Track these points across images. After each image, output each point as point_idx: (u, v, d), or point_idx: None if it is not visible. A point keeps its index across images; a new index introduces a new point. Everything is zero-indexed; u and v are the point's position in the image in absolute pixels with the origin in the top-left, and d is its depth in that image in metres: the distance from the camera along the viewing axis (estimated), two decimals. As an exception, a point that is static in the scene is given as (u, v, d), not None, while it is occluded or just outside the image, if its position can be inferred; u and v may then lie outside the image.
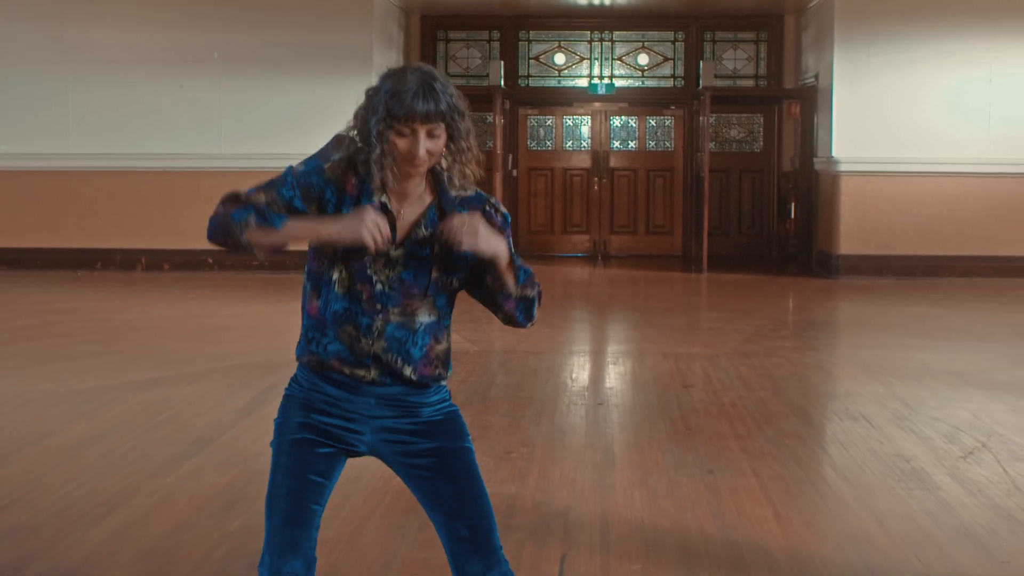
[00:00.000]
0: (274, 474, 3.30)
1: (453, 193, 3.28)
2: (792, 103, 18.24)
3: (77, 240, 16.22)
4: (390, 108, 3.16)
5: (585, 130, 19.37)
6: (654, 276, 16.68)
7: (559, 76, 19.14)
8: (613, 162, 19.25)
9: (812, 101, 17.28)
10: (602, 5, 17.77)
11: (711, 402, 8.31)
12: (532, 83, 19.09)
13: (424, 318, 3.28)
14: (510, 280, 3.23)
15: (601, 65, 19.01)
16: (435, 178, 3.27)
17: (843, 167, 15.95)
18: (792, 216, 18.01)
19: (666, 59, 19.02)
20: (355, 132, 3.25)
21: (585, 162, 19.26)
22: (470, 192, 3.31)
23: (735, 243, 19.08)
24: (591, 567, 5.00)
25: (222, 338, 11.04)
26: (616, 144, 19.33)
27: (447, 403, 3.43)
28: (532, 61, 19.10)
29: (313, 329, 3.29)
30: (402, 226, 3.25)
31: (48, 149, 16.19)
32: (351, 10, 16.05)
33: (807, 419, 7.86)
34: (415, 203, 3.28)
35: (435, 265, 3.24)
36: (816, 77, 17.04)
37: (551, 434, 7.34)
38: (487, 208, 3.28)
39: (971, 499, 5.98)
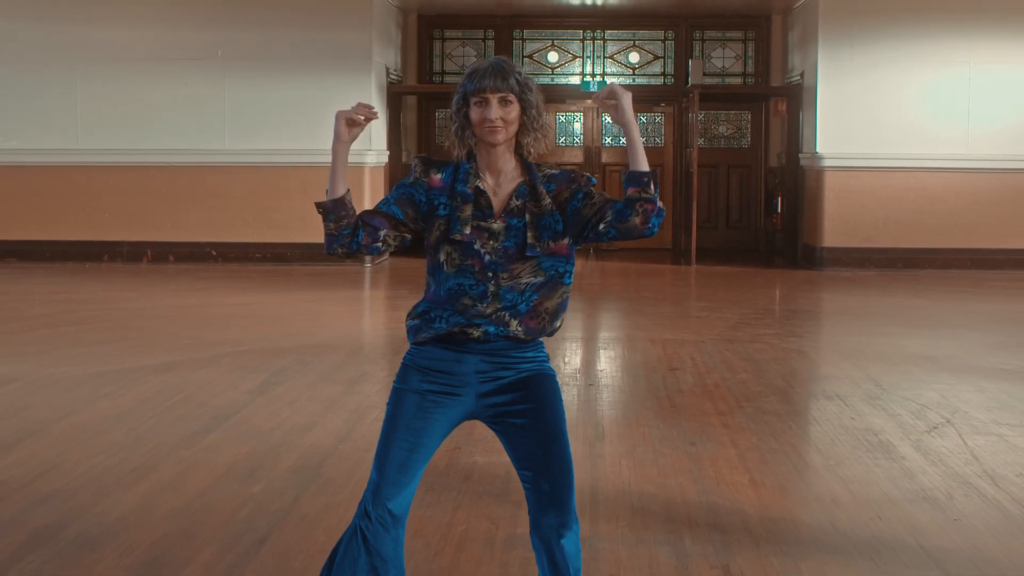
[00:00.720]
0: (391, 430, 3.75)
1: (543, 172, 3.77)
2: (779, 100, 18.76)
3: (84, 233, 16.72)
4: (466, 86, 3.71)
5: (578, 127, 19.87)
6: (644, 268, 17.18)
7: (552, 74, 19.63)
8: (605, 158, 19.74)
9: (798, 99, 17.79)
10: (594, 5, 18.25)
11: (696, 383, 8.83)
12: (526, 80, 19.54)
13: (530, 279, 3.73)
14: (643, 157, 3.70)
15: (593, 63, 19.51)
16: (524, 162, 3.77)
17: (827, 163, 16.48)
18: (779, 210, 18.52)
19: (656, 57, 19.52)
20: (454, 127, 3.76)
21: (578, 158, 19.75)
22: (556, 171, 3.80)
23: (723, 237, 19.60)
24: (582, 523, 5.49)
25: (229, 325, 11.54)
26: (608, 140, 19.82)
27: (543, 362, 3.83)
28: (526, 59, 19.58)
29: (436, 308, 3.75)
30: (498, 201, 3.75)
31: (56, 145, 16.67)
32: (351, 10, 16.52)
33: (785, 398, 8.38)
34: (508, 182, 3.77)
35: (529, 232, 3.71)
36: (801, 75, 17.55)
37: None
38: (574, 175, 3.79)
39: (932, 467, 6.51)
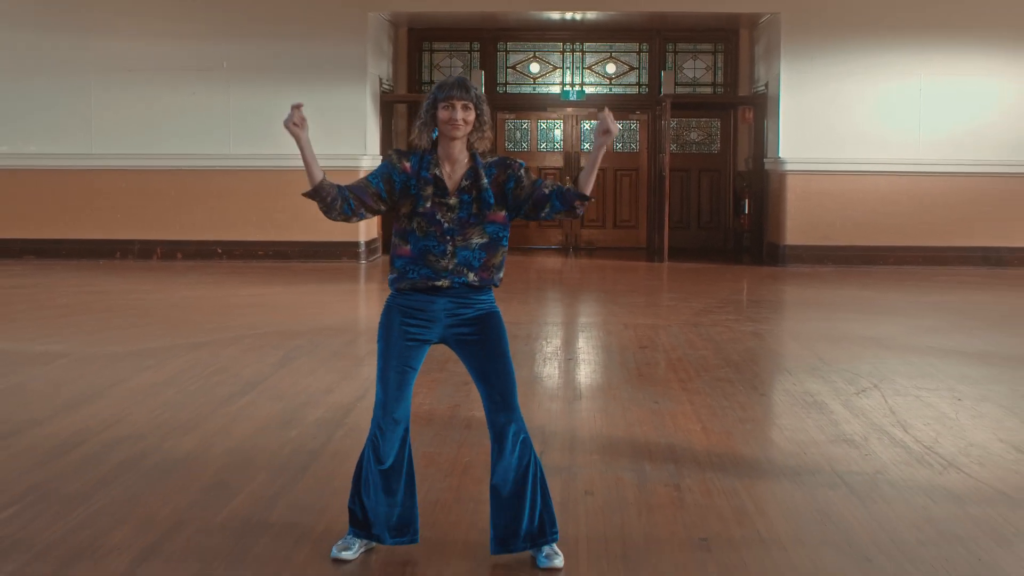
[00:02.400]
0: (387, 359, 5.12)
1: (484, 161, 5.09)
2: (746, 109, 20.05)
3: (98, 232, 17.91)
4: (436, 94, 5.01)
5: (558, 133, 21.12)
6: (620, 265, 18.42)
7: (534, 84, 20.87)
8: (583, 162, 20.94)
9: (763, 107, 19.07)
10: (573, 19, 19.52)
11: (662, 358, 10.12)
12: (509, 90, 20.80)
13: (478, 240, 5.05)
14: (592, 181, 5.05)
15: (572, 74, 20.75)
16: (472, 154, 5.07)
17: (789, 167, 17.78)
18: (746, 211, 19.83)
19: (632, 68, 20.78)
20: (419, 123, 5.06)
21: (558, 162, 21.00)
22: (493, 159, 5.11)
23: (694, 236, 20.88)
24: (562, 458, 6.77)
25: (245, 313, 12.77)
26: (586, 146, 21.06)
27: (492, 304, 5.17)
28: (509, 70, 20.81)
29: (409, 264, 5.05)
30: (452, 183, 5.06)
31: (72, 149, 17.85)
32: (348, 25, 17.75)
33: (738, 370, 9.65)
34: (459, 168, 5.08)
35: (475, 205, 5.04)
36: (766, 86, 18.84)
37: (530, 379, 9.10)
38: (508, 161, 5.11)
39: (855, 419, 7.80)
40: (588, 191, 5.04)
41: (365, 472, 5.15)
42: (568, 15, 19.17)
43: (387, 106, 19.42)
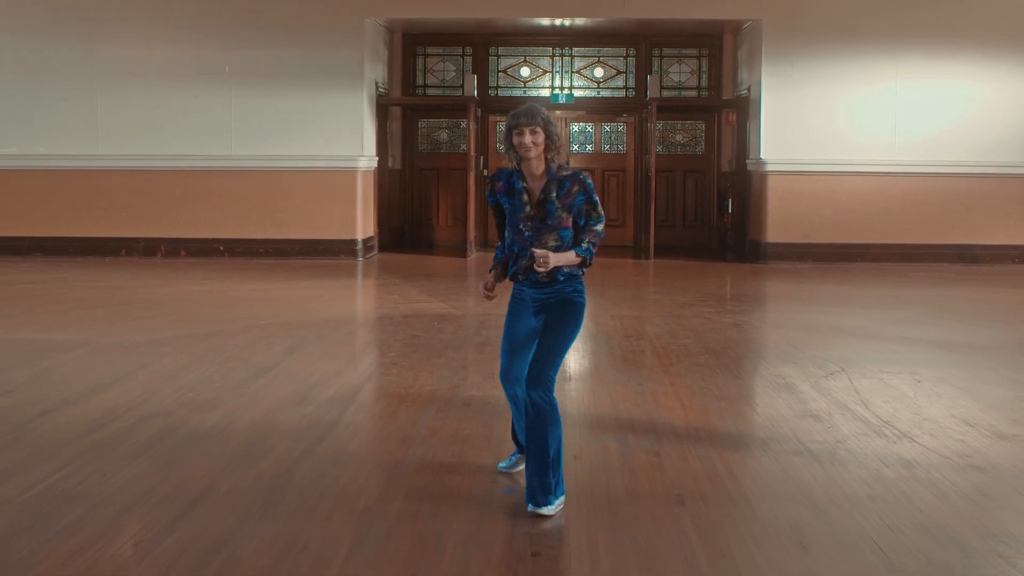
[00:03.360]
0: (504, 336, 6.12)
1: (559, 174, 5.91)
2: (729, 112, 20.78)
3: (104, 230, 18.59)
4: (510, 123, 5.85)
5: (547, 135, 21.74)
6: (608, 262, 19.07)
7: (525, 87, 21.56)
8: (572, 163, 21.68)
9: (745, 110, 19.79)
10: (562, 25, 20.21)
11: (646, 346, 10.83)
12: (501, 93, 21.48)
13: (552, 243, 5.90)
14: (576, 260, 5.94)
15: (562, 77, 21.45)
16: (548, 167, 5.90)
17: (770, 167, 18.51)
18: (730, 211, 20.54)
19: (619, 72, 21.48)
20: (503, 148, 5.99)
21: (548, 163, 21.63)
22: (568, 172, 5.92)
23: (680, 235, 21.59)
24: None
25: (251, 306, 13.45)
26: (575, 147, 21.77)
27: (570, 293, 5.98)
28: (501, 74, 21.50)
29: (511, 261, 6.02)
30: (533, 196, 5.92)
31: (79, 151, 18.52)
32: (346, 30, 18.44)
33: (716, 356, 10.35)
34: (538, 182, 5.92)
35: (553, 216, 5.88)
36: (749, 89, 19.56)
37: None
38: (580, 177, 5.92)
39: (821, 398, 8.52)
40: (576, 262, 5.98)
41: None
42: (557, 21, 19.86)
43: (383, 109, 20.09)
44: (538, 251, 5.76)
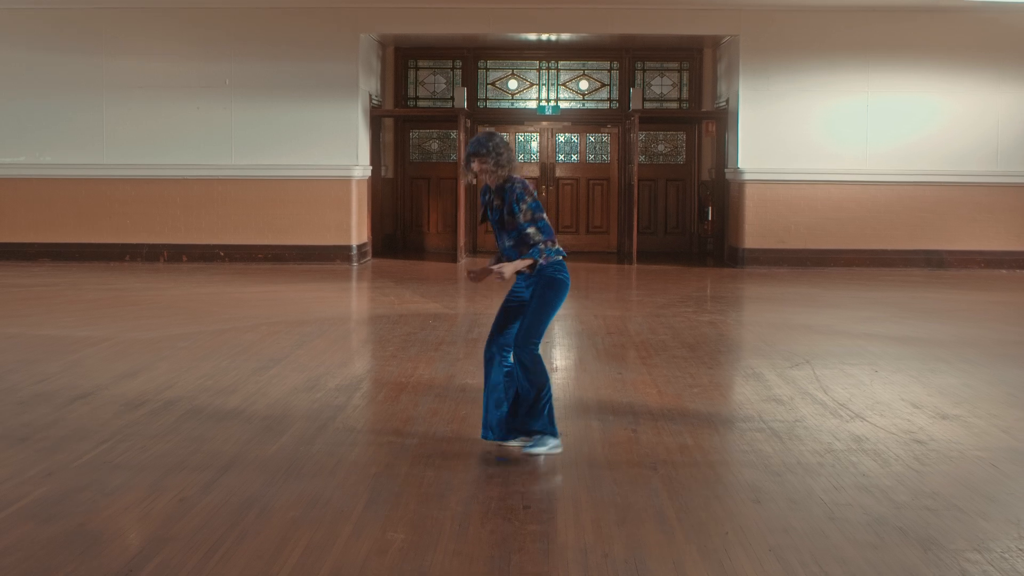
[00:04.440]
0: (501, 306, 7.22)
1: (503, 185, 7.03)
2: (709, 123, 21.63)
3: (109, 236, 19.37)
4: (467, 152, 6.92)
5: (534, 145, 22.63)
6: (593, 267, 19.90)
7: (512, 99, 22.39)
8: (558, 172, 22.53)
9: (724, 121, 20.64)
10: (549, 40, 21.05)
11: (627, 341, 11.66)
12: (489, 105, 22.31)
13: (508, 242, 7.03)
14: (528, 262, 6.99)
15: (548, 90, 22.29)
16: (498, 181, 7.01)
17: (747, 176, 19.36)
18: (709, 218, 21.40)
19: (603, 85, 22.32)
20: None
21: (534, 172, 22.52)
22: (506, 182, 7.03)
23: (662, 241, 22.44)
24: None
25: (256, 306, 14.25)
26: (561, 157, 22.60)
27: (549, 273, 6.99)
28: (489, 86, 22.33)
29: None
30: (496, 202, 7.04)
31: (86, 160, 19.31)
32: (341, 45, 19.26)
33: (691, 350, 11.18)
34: (497, 192, 7.00)
35: (502, 220, 6.99)
36: (727, 101, 20.41)
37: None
38: (507, 185, 6.99)
39: (785, 385, 9.35)
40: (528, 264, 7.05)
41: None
42: (544, 36, 20.69)
43: (376, 120, 20.91)
44: (494, 267, 6.91)
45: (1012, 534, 5.65)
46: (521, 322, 7.02)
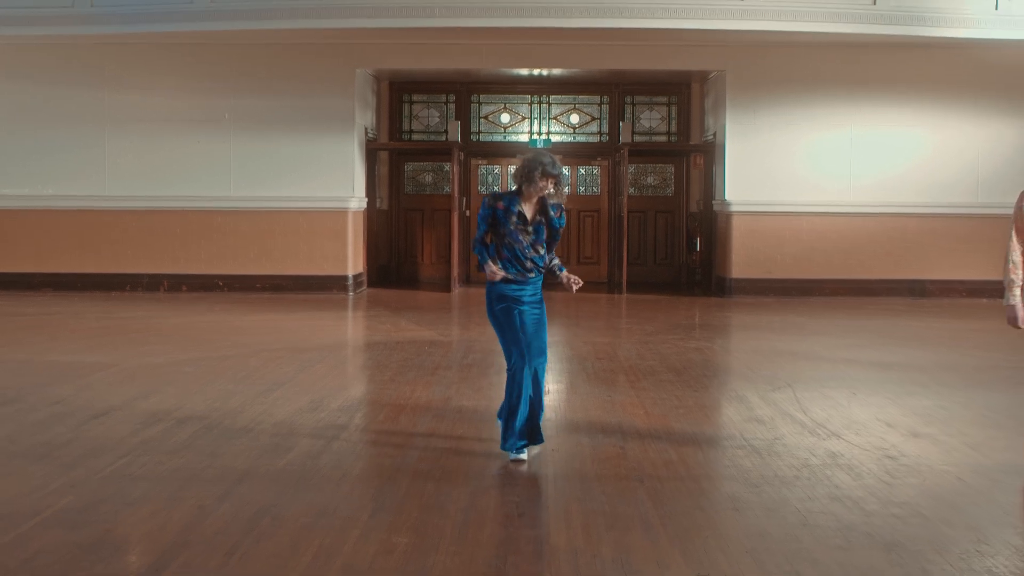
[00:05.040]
0: (508, 330, 7.65)
1: (549, 201, 7.63)
2: (697, 155, 22.16)
3: (110, 266, 19.81)
4: (538, 167, 7.62)
5: (527, 177, 23.05)
6: (584, 296, 20.29)
7: (504, 132, 22.90)
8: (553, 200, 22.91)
9: (712, 154, 21.16)
10: (540, 75, 21.58)
11: (616, 366, 12.11)
12: (482, 138, 22.82)
13: (541, 251, 7.67)
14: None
15: (540, 123, 22.81)
16: (540, 197, 7.57)
17: (734, 208, 19.86)
18: (698, 248, 21.90)
19: (593, 119, 22.85)
20: (518, 179, 7.64)
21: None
22: (554, 201, 7.62)
23: (651, 271, 22.91)
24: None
25: (256, 334, 14.69)
26: (551, 189, 22.99)
27: (540, 292, 7.75)
28: (482, 120, 22.84)
29: (507, 265, 7.60)
30: (531, 216, 7.56)
31: (87, 192, 19.77)
32: (338, 80, 19.77)
33: (678, 375, 11.63)
34: (533, 207, 7.61)
35: (540, 232, 7.58)
36: (714, 134, 20.92)
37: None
38: (562, 205, 7.69)
39: (767, 406, 9.80)
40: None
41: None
42: (535, 71, 21.22)
43: (371, 153, 21.39)
44: (572, 278, 7.81)
45: (971, 538, 6.09)
46: (540, 336, 7.73)
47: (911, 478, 7.37)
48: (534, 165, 7.65)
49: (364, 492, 6.97)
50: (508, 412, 7.74)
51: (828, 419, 9.27)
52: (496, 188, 23.10)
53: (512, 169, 22.54)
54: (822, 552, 5.84)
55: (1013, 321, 7.55)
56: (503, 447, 7.77)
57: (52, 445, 8.11)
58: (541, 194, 7.67)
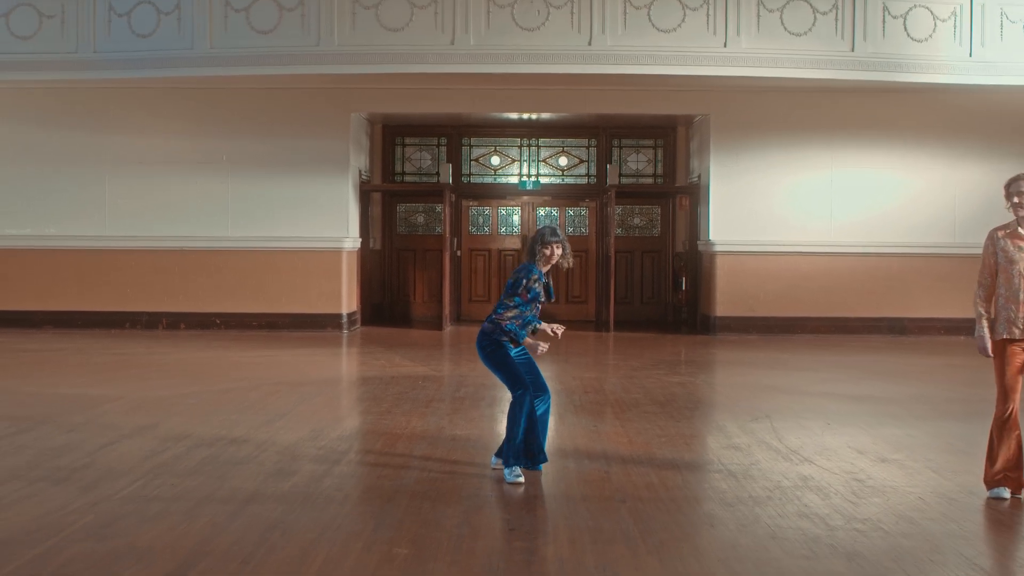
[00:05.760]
0: (513, 367, 8.32)
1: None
2: (683, 197, 22.75)
3: (110, 304, 20.33)
4: (547, 239, 8.34)
5: (516, 218, 23.71)
6: (572, 335, 20.75)
7: (495, 174, 23.49)
8: (539, 244, 23.46)
9: (697, 195, 21.75)
10: (530, 119, 22.19)
11: (603, 399, 12.64)
12: (473, 180, 23.41)
13: (537, 311, 8.32)
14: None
15: (529, 165, 23.41)
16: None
17: (718, 248, 20.44)
18: (683, 288, 22.46)
19: (581, 161, 23.45)
20: (532, 259, 8.32)
21: (516, 244, 23.57)
22: (568, 266, 8.57)
23: (638, 310, 23.47)
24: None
25: (255, 369, 15.19)
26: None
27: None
28: (473, 162, 23.44)
29: (521, 326, 8.31)
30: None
31: (88, 232, 20.32)
32: (333, 123, 20.38)
33: (661, 407, 12.15)
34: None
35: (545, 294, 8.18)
36: (699, 177, 21.52)
37: (496, 414, 11.56)
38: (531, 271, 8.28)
39: (744, 435, 10.33)
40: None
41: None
42: (525, 115, 21.83)
43: (365, 194, 21.95)
44: (558, 328, 8.77)
45: (926, 549, 6.62)
46: (536, 381, 8.53)
47: (875, 498, 7.90)
48: (536, 240, 8.50)
49: (366, 510, 7.48)
50: (509, 435, 8.37)
51: (802, 446, 9.81)
52: (487, 229, 23.69)
53: (503, 211, 23.41)
54: (788, 561, 6.36)
55: (983, 351, 8.08)
56: (507, 466, 8.42)
57: (70, 469, 8.60)
58: (551, 262, 8.49)
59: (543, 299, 8.52)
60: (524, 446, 8.39)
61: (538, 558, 6.45)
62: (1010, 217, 8.18)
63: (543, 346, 8.58)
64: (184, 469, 8.63)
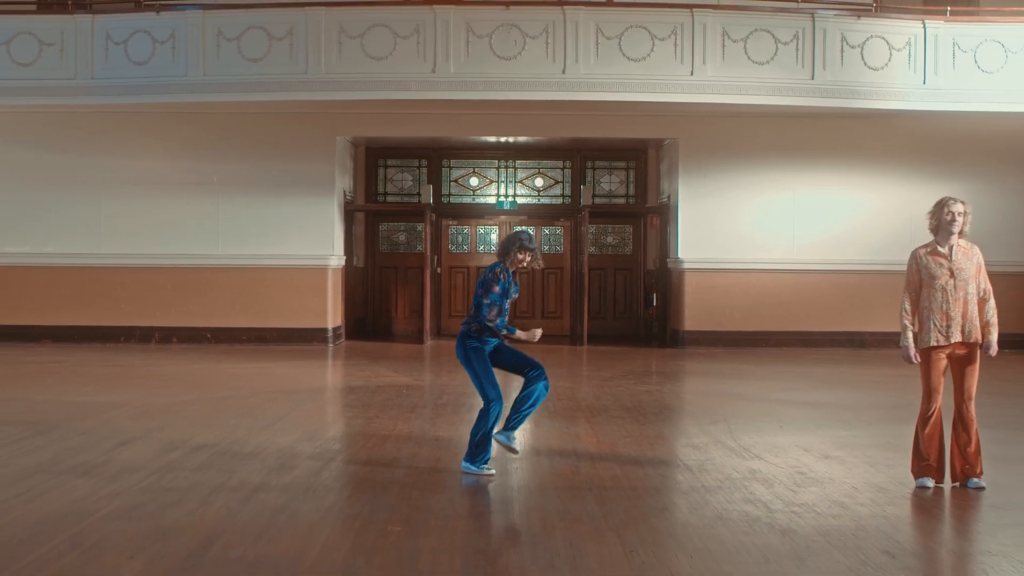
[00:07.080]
0: (490, 374, 9.20)
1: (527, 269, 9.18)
2: (653, 216, 23.74)
3: (105, 319, 21.24)
4: (523, 245, 9.21)
5: (494, 237, 24.64)
6: (547, 348, 21.75)
7: (474, 195, 24.45)
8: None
9: (667, 215, 22.73)
10: (507, 141, 23.18)
11: (575, 406, 13.60)
12: (452, 200, 24.36)
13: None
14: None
15: (506, 186, 24.38)
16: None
17: (687, 265, 21.44)
18: (654, 303, 23.44)
19: (557, 182, 24.43)
20: (503, 257, 9.19)
21: (493, 261, 24.40)
22: (539, 267, 9.40)
23: (611, 325, 24.43)
24: (500, 453, 10.20)
25: (249, 379, 16.11)
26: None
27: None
28: (452, 183, 24.38)
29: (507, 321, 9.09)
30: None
31: (84, 250, 21.25)
32: (319, 146, 21.36)
33: (628, 412, 13.12)
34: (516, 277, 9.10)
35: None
36: (669, 197, 22.52)
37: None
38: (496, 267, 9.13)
39: (703, 435, 11.31)
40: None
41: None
42: (503, 138, 22.82)
43: (349, 214, 22.90)
44: (536, 331, 9.53)
45: (852, 527, 7.61)
46: (524, 361, 9.43)
47: (814, 487, 8.89)
48: (514, 242, 9.29)
49: (361, 497, 8.42)
50: (478, 430, 9.27)
51: (754, 445, 10.79)
52: (466, 248, 24.65)
53: (481, 230, 24.37)
54: (730, 536, 7.33)
55: (908, 359, 9.07)
56: (469, 462, 9.29)
57: (90, 465, 9.53)
58: (520, 266, 9.31)
59: (513, 294, 9.28)
60: (484, 438, 9.24)
61: (514, 533, 7.43)
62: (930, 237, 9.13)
63: (538, 331, 9.52)
64: (194, 464, 9.55)
